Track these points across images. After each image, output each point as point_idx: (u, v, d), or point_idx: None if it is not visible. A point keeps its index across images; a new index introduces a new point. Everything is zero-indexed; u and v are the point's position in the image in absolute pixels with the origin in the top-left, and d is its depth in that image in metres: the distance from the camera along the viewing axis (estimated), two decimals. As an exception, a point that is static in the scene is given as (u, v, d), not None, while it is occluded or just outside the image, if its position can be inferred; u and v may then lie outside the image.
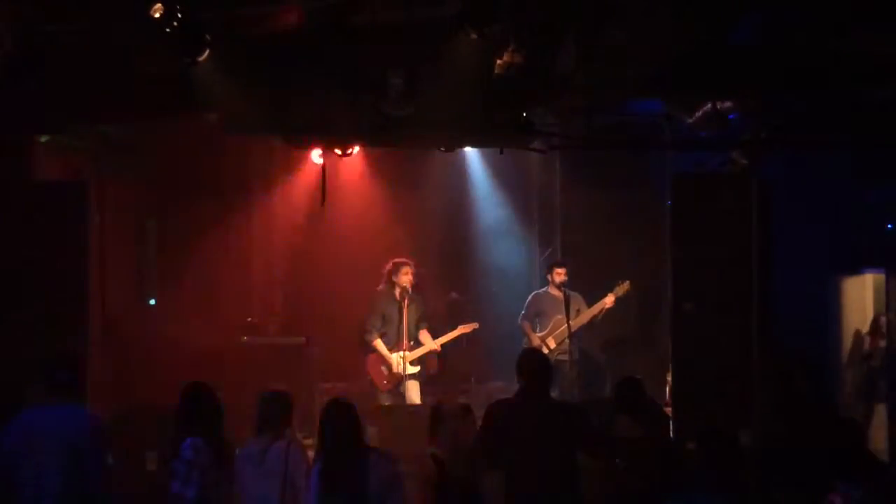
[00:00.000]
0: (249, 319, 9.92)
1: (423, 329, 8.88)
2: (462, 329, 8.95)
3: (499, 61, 6.73)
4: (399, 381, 8.67)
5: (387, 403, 8.56)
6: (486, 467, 5.29)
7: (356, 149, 8.14)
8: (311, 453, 5.28)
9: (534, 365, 5.54)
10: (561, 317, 8.89)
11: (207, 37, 6.46)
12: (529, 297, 9.35)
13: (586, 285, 9.22)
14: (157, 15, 6.07)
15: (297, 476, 5.08)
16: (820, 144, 8.05)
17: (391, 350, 8.71)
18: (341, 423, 4.90)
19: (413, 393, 8.72)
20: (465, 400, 6.24)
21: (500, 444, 5.30)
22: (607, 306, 9.03)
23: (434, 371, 9.05)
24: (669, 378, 8.11)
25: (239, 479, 5.17)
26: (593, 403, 7.74)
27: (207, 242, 9.93)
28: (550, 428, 5.29)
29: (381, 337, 8.77)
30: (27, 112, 7.07)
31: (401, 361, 8.62)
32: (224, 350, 9.38)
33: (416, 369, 8.77)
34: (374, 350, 8.76)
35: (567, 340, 8.85)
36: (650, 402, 6.17)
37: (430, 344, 8.82)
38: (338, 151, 8.10)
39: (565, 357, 8.84)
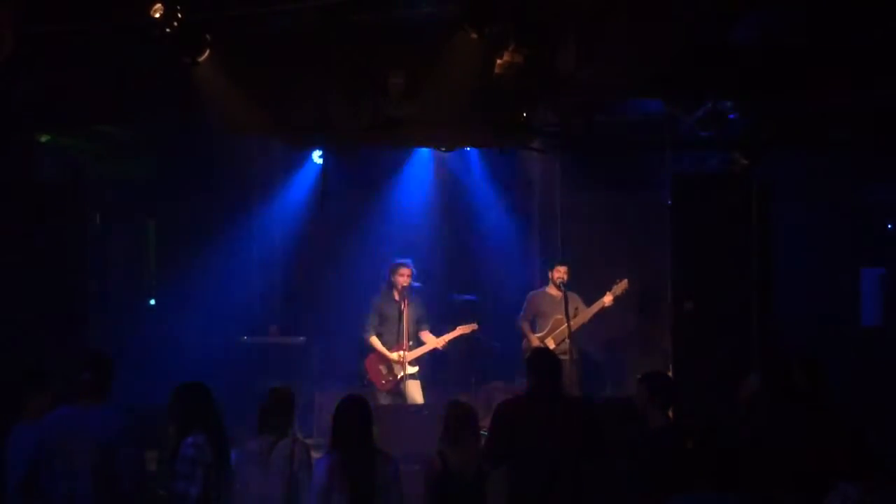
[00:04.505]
0: (249, 319, 9.92)
1: (424, 329, 8.88)
2: (462, 329, 8.95)
3: (499, 61, 6.72)
4: (397, 380, 8.67)
5: (387, 403, 8.56)
6: (493, 466, 5.31)
7: (356, 149, 8.15)
8: (313, 453, 5.30)
9: (543, 364, 5.53)
10: (560, 316, 8.88)
11: (207, 37, 6.46)
12: (527, 298, 9.33)
13: (586, 285, 9.22)
14: (157, 15, 6.08)
15: (302, 475, 5.10)
16: (820, 144, 8.05)
17: (390, 350, 8.71)
18: (355, 420, 4.93)
19: (415, 392, 8.72)
20: (456, 399, 6.26)
21: (508, 442, 5.30)
22: (606, 305, 9.03)
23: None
24: (669, 378, 8.11)
25: (241, 478, 5.17)
26: (596, 404, 7.74)
27: (207, 242, 9.93)
28: (561, 428, 5.28)
29: (379, 337, 8.77)
30: (27, 112, 7.07)
31: (400, 361, 8.62)
32: (224, 350, 9.38)
33: (415, 369, 8.76)
34: (373, 349, 8.77)
35: (567, 340, 8.84)
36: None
37: (431, 342, 8.81)
38: (338, 151, 8.11)
39: (565, 357, 8.79)
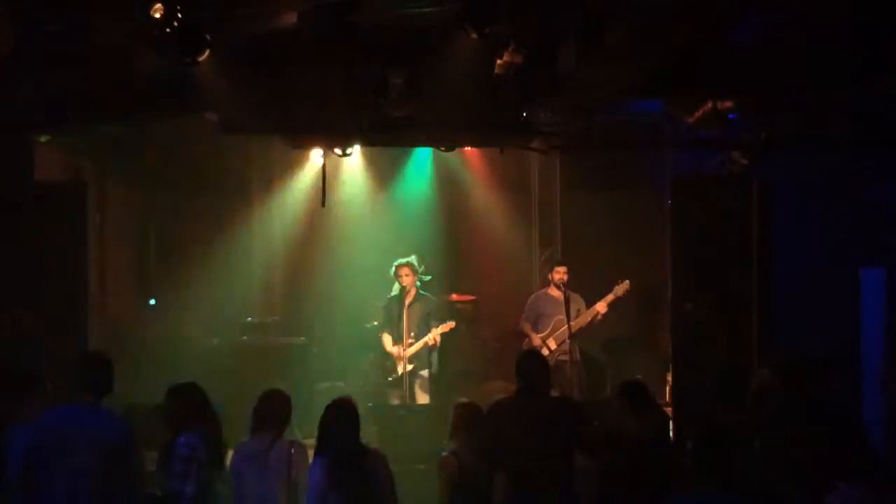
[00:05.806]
0: (249, 319, 9.92)
1: (434, 327, 8.81)
2: (442, 328, 8.85)
3: (499, 61, 6.73)
4: (399, 377, 8.64)
5: (395, 403, 8.55)
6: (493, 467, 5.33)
7: (356, 149, 8.14)
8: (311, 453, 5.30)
9: (532, 365, 5.57)
10: (561, 317, 8.87)
11: (207, 37, 6.46)
12: (529, 299, 9.32)
13: (586, 285, 9.22)
14: (157, 15, 6.07)
15: (300, 476, 5.10)
16: (820, 144, 8.04)
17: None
18: (342, 423, 4.93)
19: (421, 392, 8.71)
20: (464, 400, 6.28)
21: (500, 443, 5.32)
22: (600, 313, 8.99)
23: (433, 370, 9.02)
24: (669, 378, 8.12)
25: (238, 479, 5.17)
26: (594, 404, 7.76)
27: (208, 243, 9.93)
28: (549, 427, 5.31)
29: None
30: (27, 112, 7.07)
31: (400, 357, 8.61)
32: (224, 350, 9.38)
33: (411, 366, 8.69)
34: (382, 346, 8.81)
35: (567, 341, 8.84)
36: (654, 404, 6.18)
37: (429, 338, 8.76)
38: (338, 151, 8.10)
39: (566, 357, 8.83)
